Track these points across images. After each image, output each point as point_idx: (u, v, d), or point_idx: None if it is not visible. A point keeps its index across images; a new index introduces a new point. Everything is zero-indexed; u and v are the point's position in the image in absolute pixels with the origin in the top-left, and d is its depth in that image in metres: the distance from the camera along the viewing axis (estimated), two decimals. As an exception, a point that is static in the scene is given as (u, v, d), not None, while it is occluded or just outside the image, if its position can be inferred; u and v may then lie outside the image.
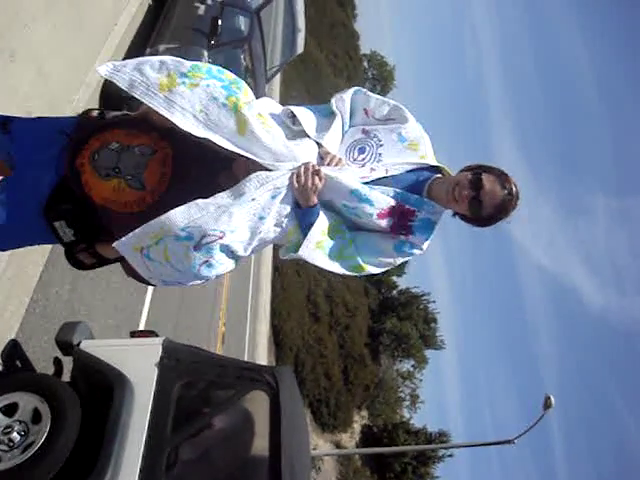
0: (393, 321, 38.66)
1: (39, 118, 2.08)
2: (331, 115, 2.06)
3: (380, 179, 1.96)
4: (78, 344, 3.59)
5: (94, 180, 1.82)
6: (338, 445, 26.33)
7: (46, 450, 3.10)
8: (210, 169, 1.87)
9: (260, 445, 3.35)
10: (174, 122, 1.71)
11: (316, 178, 1.83)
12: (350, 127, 2.12)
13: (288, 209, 1.86)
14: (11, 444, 3.14)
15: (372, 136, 2.06)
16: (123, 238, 1.75)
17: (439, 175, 2.08)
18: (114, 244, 1.76)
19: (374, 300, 42.10)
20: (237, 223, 1.75)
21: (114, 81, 1.78)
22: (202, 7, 7.52)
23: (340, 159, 1.94)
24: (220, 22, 7.00)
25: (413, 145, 2.05)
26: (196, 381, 3.47)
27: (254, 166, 1.78)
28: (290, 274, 25.11)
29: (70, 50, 5.12)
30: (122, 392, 3.28)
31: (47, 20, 4.67)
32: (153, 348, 3.51)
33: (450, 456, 32.58)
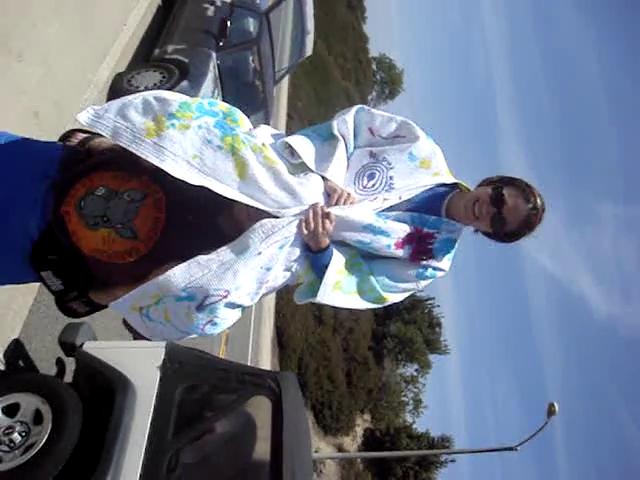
0: (397, 325, 38.60)
1: (19, 144, 1.86)
2: (332, 138, 1.92)
3: (394, 205, 1.84)
4: (81, 345, 3.58)
5: (82, 230, 1.69)
6: (340, 449, 26.27)
7: (47, 451, 3.10)
8: (208, 212, 1.72)
9: (262, 450, 3.33)
10: (166, 170, 1.56)
11: (326, 222, 1.71)
12: (355, 149, 1.96)
13: (297, 252, 1.74)
14: (12, 445, 3.14)
15: (381, 159, 1.90)
16: (120, 299, 1.64)
17: (457, 191, 1.96)
18: (110, 305, 1.68)
19: (379, 303, 42.04)
20: (242, 280, 1.64)
21: (96, 130, 1.63)
22: (211, 8, 7.52)
23: (349, 194, 1.80)
24: (229, 24, 7.00)
25: (425, 163, 1.91)
26: (199, 385, 3.45)
27: (257, 212, 1.65)
28: (295, 276, 25.07)
29: (78, 50, 5.12)
30: (124, 394, 3.27)
31: (55, 20, 4.67)
32: (156, 351, 3.50)
33: (452, 461, 32.54)
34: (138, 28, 6.81)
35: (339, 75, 43.47)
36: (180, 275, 1.58)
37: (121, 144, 1.59)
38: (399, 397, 36.59)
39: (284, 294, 23.21)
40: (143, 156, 1.57)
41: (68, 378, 3.75)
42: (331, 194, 1.79)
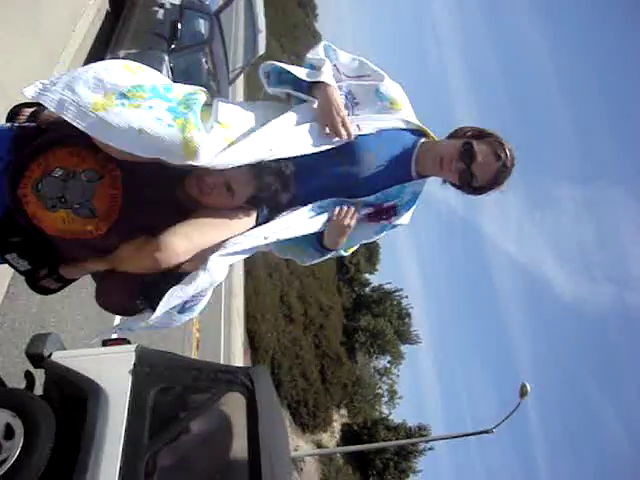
0: (367, 318, 38.76)
1: None
2: (319, 62, 1.89)
3: (364, 156, 1.84)
4: (49, 356, 3.53)
5: (41, 212, 1.68)
6: (319, 445, 26.30)
7: (20, 466, 3.04)
8: (164, 186, 1.75)
9: (239, 447, 3.33)
10: (112, 145, 1.55)
11: (353, 220, 1.81)
12: None
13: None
14: (-17, 461, 3.08)
15: (346, 93, 1.89)
16: (105, 331, 1.73)
17: (423, 140, 1.93)
18: (97, 334, 1.75)
19: (347, 298, 42.16)
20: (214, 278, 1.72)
21: (42, 103, 1.58)
22: (161, 11, 7.46)
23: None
24: (180, 26, 6.96)
25: (396, 105, 1.89)
26: (171, 386, 3.43)
27: (207, 184, 1.68)
28: (262, 277, 25.02)
29: (26, 57, 5.03)
30: (96, 402, 3.23)
31: (0, 27, 4.58)
32: (126, 356, 3.46)
33: (431, 449, 32.83)
34: (88, 33, 6.72)
35: (294, 73, 43.37)
36: (167, 304, 1.65)
37: (66, 118, 1.54)
38: (374, 390, 36.77)
39: (253, 296, 23.16)
40: (87, 132, 1.53)
41: (39, 390, 3.69)
42: (327, 112, 1.76)
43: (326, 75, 1.81)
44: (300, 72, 1.84)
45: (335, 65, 1.94)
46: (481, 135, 1.86)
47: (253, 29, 9.43)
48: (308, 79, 1.82)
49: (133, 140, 1.52)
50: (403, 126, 1.90)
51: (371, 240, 2.02)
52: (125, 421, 3.18)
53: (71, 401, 3.36)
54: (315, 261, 2.00)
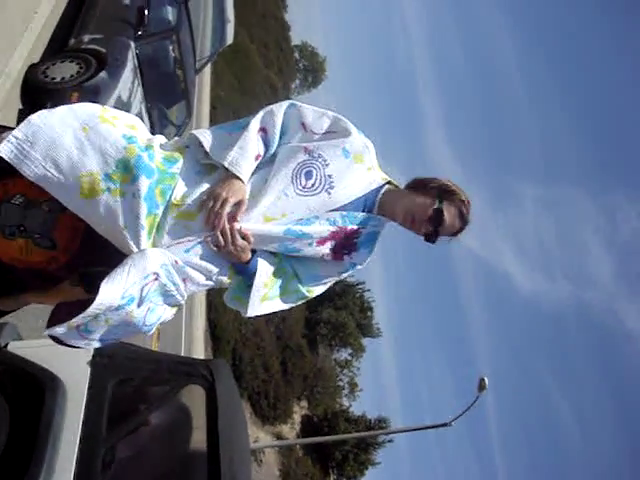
0: (329, 311, 38.90)
1: None
2: (244, 128, 1.84)
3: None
4: (5, 346, 3.47)
5: None
6: (279, 437, 26.37)
7: (-28, 458, 2.99)
8: None
9: (198, 439, 3.33)
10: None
11: (237, 240, 1.72)
12: (287, 145, 1.89)
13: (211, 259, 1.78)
14: None
15: (316, 156, 1.84)
16: (57, 328, 1.63)
17: (387, 187, 1.98)
18: (46, 332, 1.66)
19: (311, 291, 42.28)
20: (164, 260, 1.67)
21: (22, 173, 1.54)
22: (127, -4, 7.33)
23: (225, 200, 1.70)
24: (147, 12, 6.84)
25: (357, 158, 1.89)
26: (130, 378, 3.41)
27: None
28: (226, 267, 24.90)
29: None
30: (53, 393, 3.19)
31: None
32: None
33: (390, 442, 33.16)
34: (51, 16, 6.52)
35: (262, 64, 43.11)
36: (111, 289, 1.57)
37: (51, 193, 1.55)
38: (335, 382, 37.00)
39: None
40: (75, 211, 1.57)
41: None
42: (206, 201, 1.72)
43: (232, 154, 1.75)
44: (212, 145, 1.78)
45: (302, 123, 1.90)
46: (447, 192, 1.93)
47: (222, 18, 9.38)
48: (215, 157, 1.77)
49: (115, 232, 1.59)
50: (370, 181, 1.93)
51: (336, 279, 2.02)
52: (83, 413, 3.15)
53: (28, 392, 3.31)
54: (252, 300, 1.90)
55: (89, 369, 3.29)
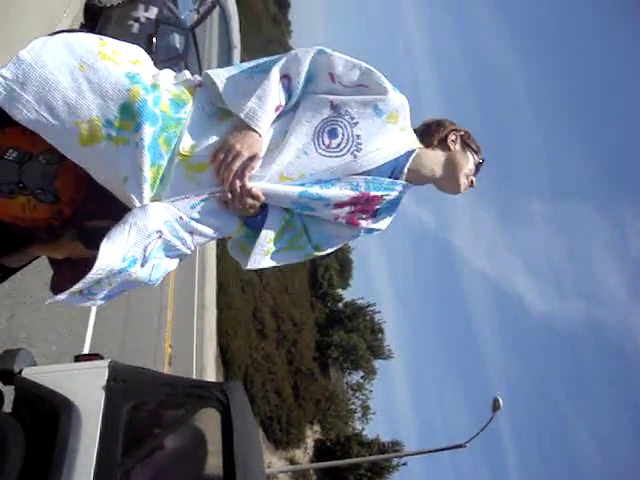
0: (340, 334, 38.78)
1: None
2: (266, 72, 1.63)
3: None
4: (20, 372, 3.47)
5: None
6: (292, 461, 26.12)
7: (-11, 485, 2.98)
8: None
9: (214, 463, 3.30)
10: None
11: (248, 200, 1.59)
12: (312, 94, 1.69)
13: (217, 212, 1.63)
14: (-50, 482, 3.01)
15: (343, 113, 1.65)
16: (60, 295, 1.53)
17: (418, 151, 1.80)
18: (49, 301, 1.56)
19: (320, 314, 42.16)
20: (168, 216, 1.54)
21: (13, 117, 1.39)
22: (136, 25, 7.49)
23: (237, 154, 1.54)
24: (155, 40, 6.97)
25: (392, 117, 1.70)
26: (145, 402, 3.39)
27: None
28: (235, 292, 24.91)
29: None
30: (68, 418, 3.18)
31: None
32: (99, 371, 3.41)
33: (404, 464, 32.75)
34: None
35: (268, 89, 43.50)
36: (111, 251, 1.46)
37: (47, 140, 1.42)
38: (347, 405, 36.73)
39: (225, 310, 23.01)
40: (74, 160, 1.45)
41: (8, 408, 3.62)
42: (218, 151, 1.55)
43: (250, 109, 1.58)
44: (228, 90, 1.61)
45: (330, 73, 1.67)
46: (467, 140, 1.92)
47: (228, 44, 9.49)
48: (230, 106, 1.60)
49: (116, 183, 1.49)
50: (401, 146, 1.75)
51: (347, 242, 1.91)
52: (98, 438, 3.13)
53: (42, 418, 3.30)
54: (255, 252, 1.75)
55: (103, 394, 3.28)
